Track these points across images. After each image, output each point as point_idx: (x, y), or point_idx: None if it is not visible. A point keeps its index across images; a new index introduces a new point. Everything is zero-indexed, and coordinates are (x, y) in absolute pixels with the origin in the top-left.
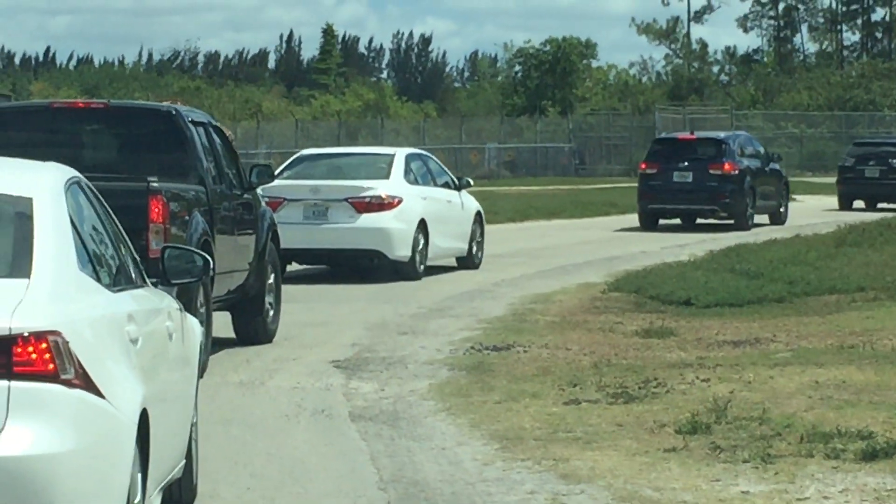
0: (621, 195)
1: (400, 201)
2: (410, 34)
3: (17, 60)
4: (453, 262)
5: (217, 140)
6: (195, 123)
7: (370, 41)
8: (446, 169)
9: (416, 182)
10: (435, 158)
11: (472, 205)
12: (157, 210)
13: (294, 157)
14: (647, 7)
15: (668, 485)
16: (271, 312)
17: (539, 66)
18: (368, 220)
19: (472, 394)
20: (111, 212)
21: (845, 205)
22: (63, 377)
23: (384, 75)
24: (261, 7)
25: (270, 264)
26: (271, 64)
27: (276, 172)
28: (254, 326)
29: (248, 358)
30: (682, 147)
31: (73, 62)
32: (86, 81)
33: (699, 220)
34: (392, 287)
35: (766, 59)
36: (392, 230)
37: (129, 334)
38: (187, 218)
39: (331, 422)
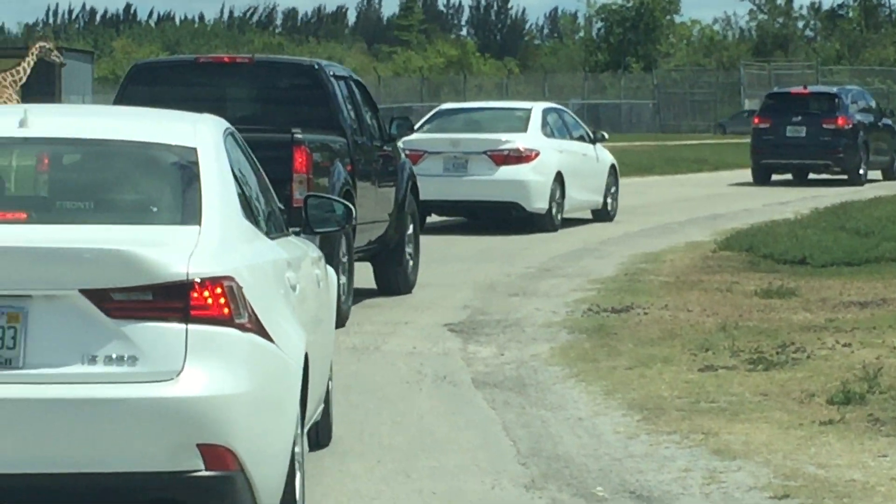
0: (711, 151)
1: (537, 154)
2: None
3: (97, 18)
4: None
5: (357, 93)
6: (336, 77)
7: None
8: (581, 123)
9: (552, 135)
10: (570, 112)
11: (607, 158)
12: (300, 160)
13: (433, 111)
14: None
15: (831, 461)
16: (411, 263)
17: (622, 23)
18: (507, 172)
19: (598, 359)
20: (257, 162)
21: None
22: (237, 321)
23: (463, 32)
24: None
25: (410, 215)
26: (351, 21)
27: (417, 126)
28: (394, 277)
29: (359, 321)
30: (796, 101)
31: (154, 19)
32: (167, 38)
33: (811, 176)
34: (509, 241)
35: (851, 15)
36: (530, 182)
37: (288, 280)
38: (330, 169)
39: (455, 389)
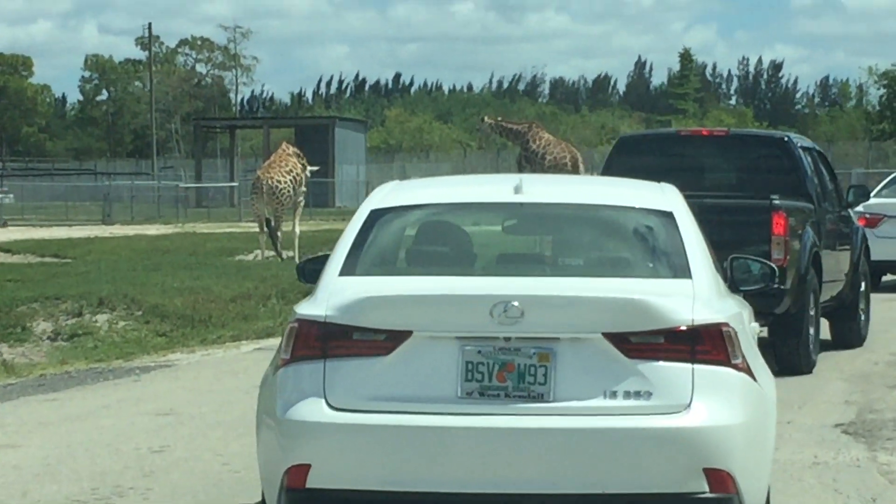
0: None
1: None
2: (759, 60)
3: (366, 87)
4: None
5: (820, 163)
6: (803, 149)
7: (714, 67)
8: None
9: None
10: None
11: None
12: (779, 224)
13: (890, 177)
14: None
15: None
16: (863, 318)
17: None
18: None
19: None
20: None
21: None
22: (733, 362)
23: (732, 101)
24: (608, 34)
25: (862, 275)
26: (620, 89)
27: (876, 191)
28: (849, 331)
29: None
30: None
31: (420, 88)
32: (439, 107)
33: None
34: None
35: None
36: None
37: (752, 330)
38: (801, 232)
39: None
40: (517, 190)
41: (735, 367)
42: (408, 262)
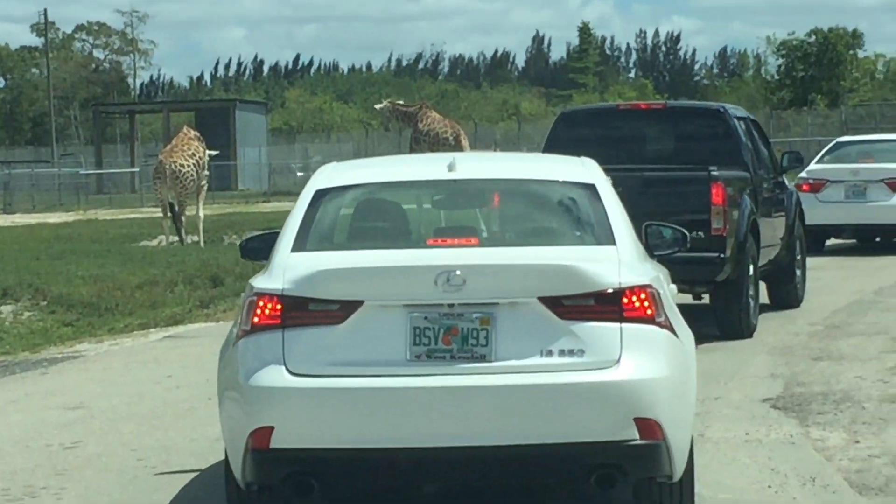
0: None
1: None
2: (657, 32)
3: (265, 69)
4: None
5: (754, 132)
6: (738, 119)
7: (612, 40)
8: None
9: None
10: None
11: None
12: (718, 194)
13: (832, 143)
14: None
15: None
16: (799, 280)
17: (804, 59)
18: None
19: None
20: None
21: None
22: (658, 320)
23: (631, 74)
24: (506, 10)
25: (798, 239)
26: (519, 65)
27: (818, 158)
28: (786, 293)
29: None
30: None
31: (319, 68)
32: (338, 88)
33: None
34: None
35: None
36: None
37: (671, 290)
38: (739, 201)
39: (837, 497)
40: (451, 168)
41: (659, 324)
42: (354, 237)
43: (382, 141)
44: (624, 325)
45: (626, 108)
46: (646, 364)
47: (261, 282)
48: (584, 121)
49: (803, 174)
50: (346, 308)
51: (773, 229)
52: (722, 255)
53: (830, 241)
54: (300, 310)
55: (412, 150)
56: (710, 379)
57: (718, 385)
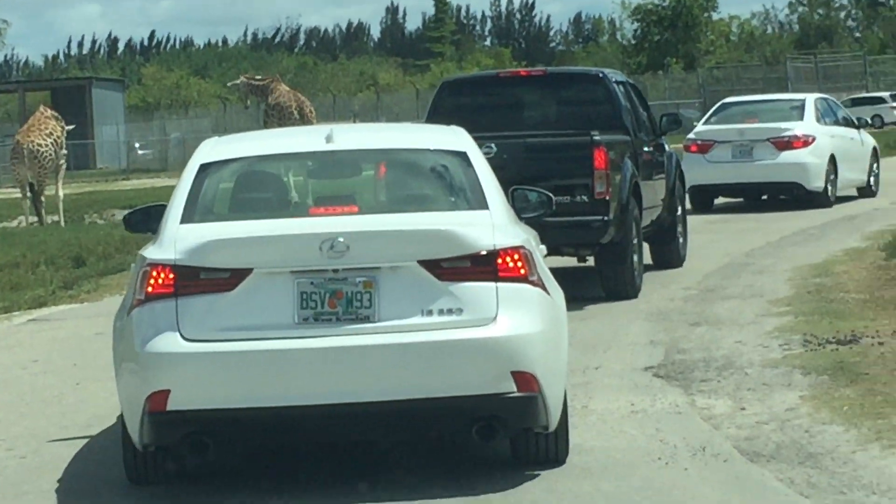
0: None
1: (814, 139)
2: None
3: (120, 46)
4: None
5: (633, 95)
6: (617, 83)
7: (468, 9)
8: (846, 111)
9: (824, 122)
10: (836, 101)
11: (870, 141)
12: (600, 159)
13: (718, 104)
14: None
15: None
16: (681, 241)
17: (659, 23)
18: (788, 156)
19: (883, 412)
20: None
21: None
22: (531, 279)
23: (487, 42)
24: None
25: (678, 199)
26: (375, 36)
27: (705, 119)
28: (668, 253)
29: None
30: None
31: (174, 44)
32: (195, 63)
33: None
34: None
35: (892, 2)
36: (809, 164)
37: (542, 251)
38: (620, 164)
39: (728, 466)
40: (329, 139)
41: (532, 283)
42: (240, 208)
43: (241, 116)
44: (499, 284)
45: (508, 76)
46: (521, 320)
47: (153, 252)
48: (466, 89)
49: (691, 135)
50: (236, 275)
51: (654, 191)
52: (606, 218)
53: (719, 200)
54: (192, 279)
55: (265, 125)
56: (588, 347)
57: (597, 354)
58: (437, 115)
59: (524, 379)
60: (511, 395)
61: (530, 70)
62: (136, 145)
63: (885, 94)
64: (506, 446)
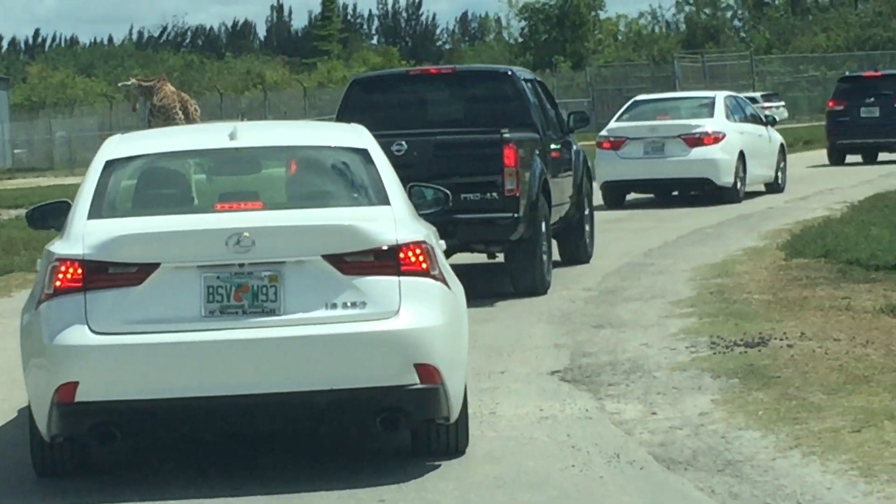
0: None
1: (723, 136)
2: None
3: (3, 45)
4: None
5: (542, 93)
6: (526, 81)
7: (355, 7)
8: (755, 109)
9: (734, 119)
10: (745, 99)
11: (777, 138)
12: (510, 156)
13: (630, 102)
14: None
15: None
16: (588, 236)
17: (546, 21)
18: (699, 152)
19: (797, 416)
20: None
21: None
22: (432, 273)
23: (374, 41)
24: None
25: (586, 196)
26: (261, 34)
27: (617, 116)
28: (576, 249)
29: None
30: (868, 84)
31: (59, 43)
32: (80, 61)
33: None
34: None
35: (777, 3)
36: (719, 160)
37: (441, 246)
38: (530, 162)
39: (645, 474)
40: (232, 137)
41: (433, 277)
42: (146, 204)
43: (128, 115)
44: (402, 278)
45: (417, 74)
46: (423, 314)
47: (60, 248)
48: (376, 86)
49: (604, 132)
50: (144, 270)
51: (562, 188)
52: (516, 215)
53: (630, 196)
54: (100, 273)
55: (149, 125)
56: (492, 351)
57: (502, 358)
58: (348, 112)
59: (427, 371)
60: (414, 386)
61: (440, 68)
62: (11, 146)
63: (757, 95)
64: (408, 437)
